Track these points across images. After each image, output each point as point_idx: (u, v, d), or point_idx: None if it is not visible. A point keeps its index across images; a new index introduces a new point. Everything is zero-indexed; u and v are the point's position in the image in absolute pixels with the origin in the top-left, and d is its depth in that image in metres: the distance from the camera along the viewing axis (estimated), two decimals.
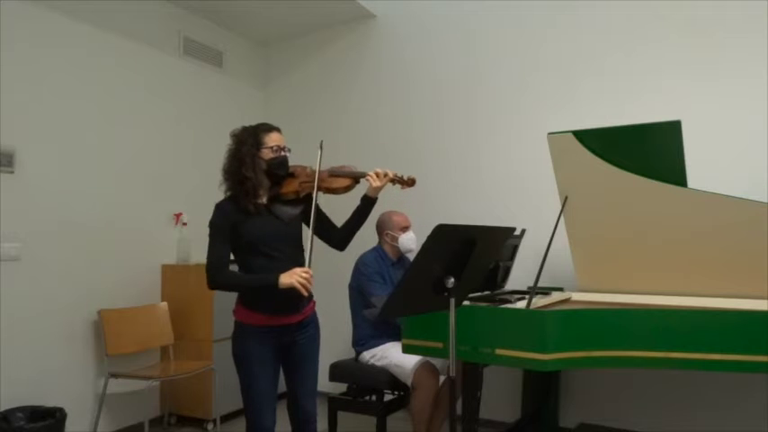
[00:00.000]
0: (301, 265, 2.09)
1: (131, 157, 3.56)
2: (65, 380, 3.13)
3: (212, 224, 2.13)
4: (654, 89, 3.19)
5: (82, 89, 3.29)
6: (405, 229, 3.09)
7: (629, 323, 2.15)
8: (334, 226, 2.32)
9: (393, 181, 2.23)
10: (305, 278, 1.98)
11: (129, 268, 3.53)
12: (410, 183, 2.27)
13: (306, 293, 1.99)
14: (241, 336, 2.14)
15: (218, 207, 2.15)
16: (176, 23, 3.92)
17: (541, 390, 3.22)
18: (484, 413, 3.01)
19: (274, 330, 2.13)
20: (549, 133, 2.53)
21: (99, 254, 3.34)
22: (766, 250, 2.36)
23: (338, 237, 2.30)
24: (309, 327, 2.25)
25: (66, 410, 2.92)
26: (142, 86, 3.65)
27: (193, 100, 4.03)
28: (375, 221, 3.15)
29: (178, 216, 3.80)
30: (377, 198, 2.26)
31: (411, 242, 3.05)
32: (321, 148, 2.21)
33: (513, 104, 3.63)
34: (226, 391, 3.52)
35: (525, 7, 3.61)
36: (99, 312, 3.25)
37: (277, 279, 1.99)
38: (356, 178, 2.24)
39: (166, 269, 3.74)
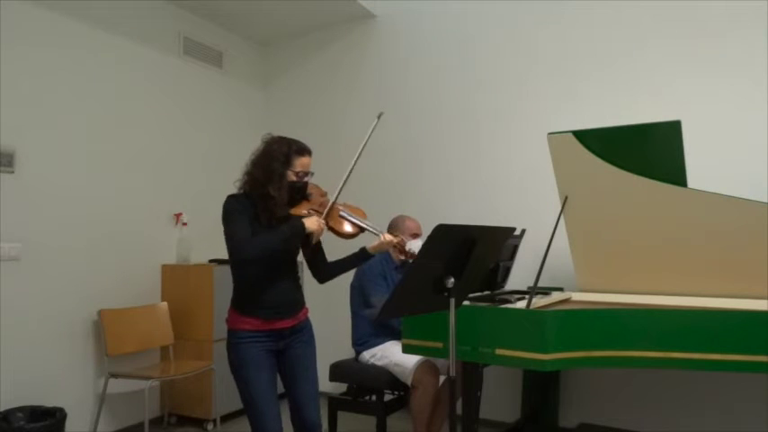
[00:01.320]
0: (296, 280, 2.21)
1: (131, 157, 3.56)
2: (65, 380, 3.13)
3: (229, 210, 2.10)
4: (654, 89, 3.19)
5: (82, 89, 3.29)
6: (415, 236, 3.08)
7: (628, 323, 2.15)
8: (324, 257, 2.32)
9: (396, 247, 2.22)
10: (322, 225, 2.09)
11: (129, 268, 3.53)
12: (410, 256, 2.22)
13: (316, 238, 2.11)
14: (235, 343, 2.12)
15: (234, 196, 2.14)
16: (176, 23, 3.92)
17: (541, 390, 3.22)
18: (484, 413, 3.01)
19: (268, 335, 2.13)
20: (549, 133, 2.53)
21: (99, 254, 3.34)
22: (766, 250, 2.36)
23: (324, 272, 2.30)
24: (303, 332, 2.24)
25: (67, 410, 2.92)
26: (142, 86, 3.66)
27: (193, 100, 4.03)
28: (388, 221, 3.16)
29: (178, 216, 3.80)
30: (373, 255, 2.27)
31: (416, 249, 3.03)
32: (378, 118, 2.20)
33: (513, 104, 3.63)
34: (226, 391, 3.51)
35: (525, 7, 3.61)
36: (99, 312, 3.25)
37: (303, 224, 2.06)
38: (363, 230, 2.21)
39: (166, 269, 3.74)
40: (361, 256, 2.27)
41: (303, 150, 2.18)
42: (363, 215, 2.26)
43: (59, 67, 3.18)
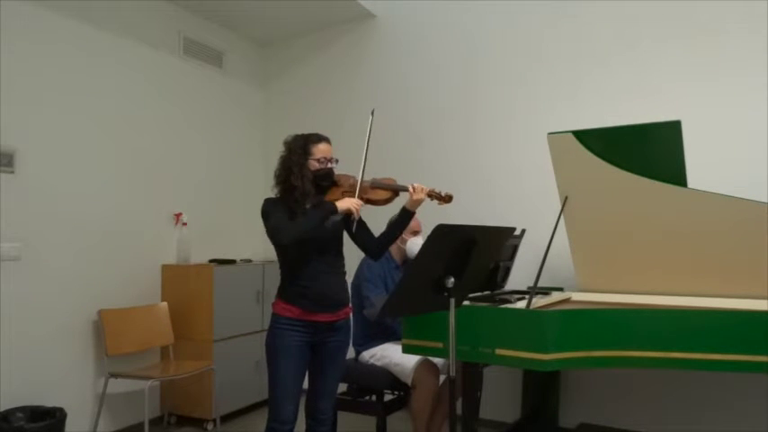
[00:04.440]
0: (339, 267, 2.28)
1: (131, 156, 3.56)
2: (65, 380, 3.13)
3: (264, 209, 2.20)
4: (654, 89, 3.19)
5: (82, 89, 3.29)
6: (415, 233, 3.08)
7: (628, 323, 2.15)
8: (372, 235, 2.38)
9: (430, 196, 2.27)
10: (358, 204, 2.14)
11: (129, 268, 3.53)
12: (447, 199, 2.30)
13: (357, 215, 2.13)
14: (274, 327, 2.23)
15: (269, 200, 2.24)
16: (176, 23, 3.92)
17: (541, 390, 3.22)
18: (484, 413, 3.01)
19: (304, 326, 2.20)
20: (549, 133, 2.53)
21: (99, 254, 3.34)
22: (766, 250, 2.36)
23: (374, 245, 2.37)
24: (341, 332, 2.32)
25: (66, 410, 2.92)
26: (142, 87, 3.65)
27: (193, 100, 4.03)
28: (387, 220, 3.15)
29: (178, 216, 3.80)
30: (414, 211, 2.32)
31: (418, 248, 3.02)
32: (372, 114, 2.25)
33: (512, 104, 3.63)
34: (226, 391, 3.52)
35: (525, 7, 3.61)
36: (99, 312, 3.25)
37: (335, 206, 2.12)
38: (396, 191, 2.30)
39: (166, 269, 3.74)
40: (404, 215, 2.32)
41: (319, 138, 2.28)
42: (394, 181, 2.34)
43: (59, 67, 3.18)
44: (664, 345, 2.08)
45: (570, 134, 2.47)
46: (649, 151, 2.47)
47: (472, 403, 2.40)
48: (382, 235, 2.37)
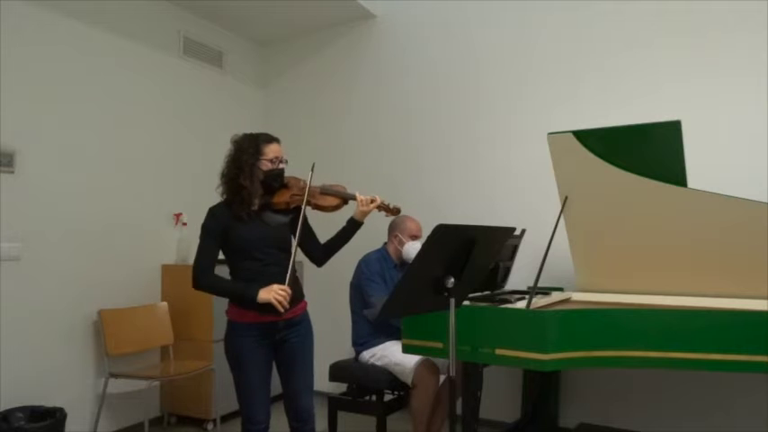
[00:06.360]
0: (292, 274, 2.16)
1: (131, 157, 3.56)
2: (65, 380, 3.13)
3: (204, 227, 2.20)
4: (654, 89, 3.19)
5: (82, 89, 3.29)
6: (414, 237, 3.08)
7: (628, 323, 2.15)
8: (317, 241, 2.37)
9: (379, 208, 2.31)
10: (282, 295, 2.06)
11: (129, 268, 3.53)
12: (395, 211, 2.35)
13: (282, 310, 2.06)
14: (232, 333, 2.21)
15: (211, 211, 2.22)
16: (176, 23, 3.92)
17: (541, 390, 3.22)
18: (484, 413, 3.00)
19: (263, 327, 2.18)
20: (549, 133, 2.53)
21: (99, 254, 3.34)
22: (766, 250, 2.36)
23: (319, 252, 2.36)
24: (300, 326, 2.29)
25: (66, 410, 2.92)
26: (142, 86, 3.65)
27: (193, 100, 4.03)
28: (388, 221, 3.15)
29: (178, 216, 3.80)
30: (363, 222, 2.33)
31: (415, 252, 3.03)
32: (312, 170, 2.24)
33: (513, 104, 3.63)
34: (226, 391, 3.51)
35: (525, 7, 3.61)
36: (99, 312, 3.25)
37: (256, 294, 2.07)
38: (345, 199, 2.30)
39: (166, 269, 3.74)
40: (351, 226, 2.33)
41: (271, 138, 2.26)
42: (344, 189, 2.34)
43: (59, 67, 3.18)
44: (664, 345, 2.08)
45: (570, 134, 2.47)
46: (649, 151, 2.46)
47: (472, 403, 2.40)
48: (328, 242, 2.36)
